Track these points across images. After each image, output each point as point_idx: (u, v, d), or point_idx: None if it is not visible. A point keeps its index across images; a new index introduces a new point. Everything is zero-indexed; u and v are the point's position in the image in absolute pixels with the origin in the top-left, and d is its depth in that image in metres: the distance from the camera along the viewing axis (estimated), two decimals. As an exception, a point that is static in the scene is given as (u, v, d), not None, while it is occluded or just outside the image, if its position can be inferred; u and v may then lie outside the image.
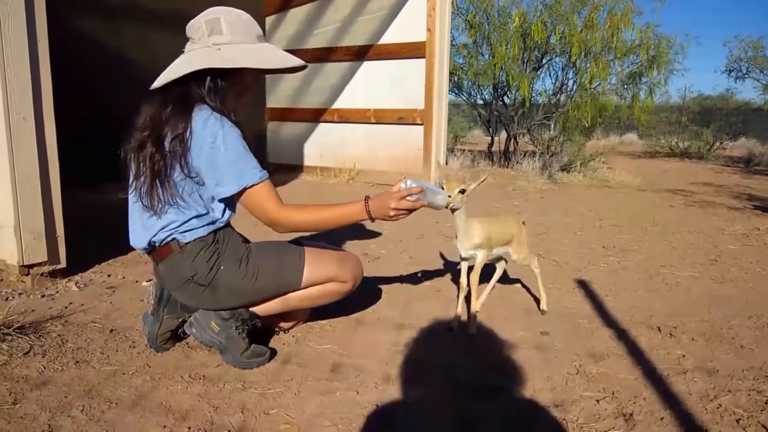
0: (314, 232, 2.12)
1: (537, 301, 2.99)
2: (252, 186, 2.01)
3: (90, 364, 2.18)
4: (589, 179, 8.62)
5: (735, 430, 1.85)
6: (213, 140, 1.98)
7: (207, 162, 2.00)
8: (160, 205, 2.07)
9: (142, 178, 2.07)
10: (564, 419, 1.90)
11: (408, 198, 2.03)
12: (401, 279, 3.41)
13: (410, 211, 2.07)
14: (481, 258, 2.59)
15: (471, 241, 2.54)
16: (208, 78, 2.04)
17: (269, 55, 2.13)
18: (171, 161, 2.03)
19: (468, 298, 2.67)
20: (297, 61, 2.17)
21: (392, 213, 2.03)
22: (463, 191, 2.36)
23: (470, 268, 2.64)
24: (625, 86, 9.38)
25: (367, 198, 2.05)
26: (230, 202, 2.20)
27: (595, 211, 6.10)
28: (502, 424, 1.89)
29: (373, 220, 2.06)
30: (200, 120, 2.00)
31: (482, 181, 2.41)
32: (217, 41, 2.06)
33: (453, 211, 2.41)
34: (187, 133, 1.99)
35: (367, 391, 2.06)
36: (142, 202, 2.09)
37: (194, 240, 2.13)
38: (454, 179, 2.37)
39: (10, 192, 2.85)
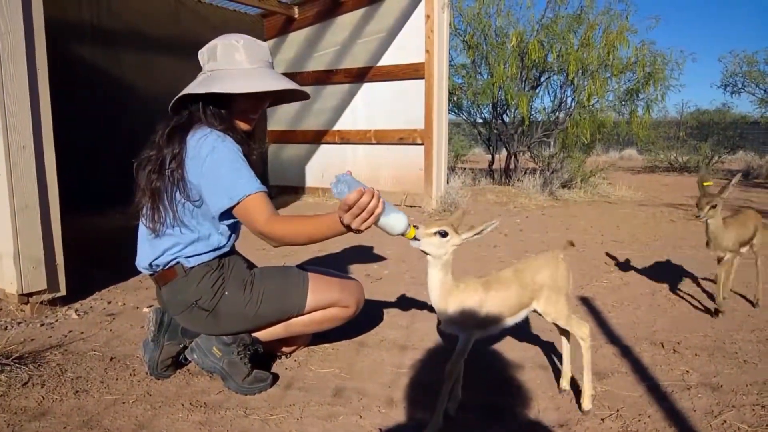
0: (305, 244, 2.04)
1: (574, 386, 2.22)
2: (245, 198, 1.97)
3: (89, 394, 2.16)
4: (589, 195, 8.62)
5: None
6: (208, 154, 2.01)
7: (204, 176, 2.02)
8: (160, 226, 2.11)
9: (144, 198, 2.11)
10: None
11: (357, 206, 1.68)
12: (404, 300, 3.40)
13: (369, 217, 1.71)
14: (463, 343, 1.92)
15: (447, 316, 1.89)
16: (201, 103, 2.09)
17: (246, 82, 2.09)
18: (170, 182, 2.06)
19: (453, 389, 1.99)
20: (274, 85, 2.13)
21: (346, 222, 1.74)
22: (444, 234, 1.78)
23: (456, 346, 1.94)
24: (623, 102, 9.40)
25: None
26: (234, 226, 2.21)
27: (597, 227, 6.09)
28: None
29: (349, 229, 1.77)
30: (196, 138, 2.04)
31: (480, 231, 1.82)
32: (211, 68, 2.11)
33: (427, 255, 1.83)
34: (183, 153, 2.04)
35: (371, 415, 2.04)
36: (144, 222, 2.14)
37: (199, 265, 2.15)
38: (440, 220, 1.88)
39: (10, 220, 2.86)
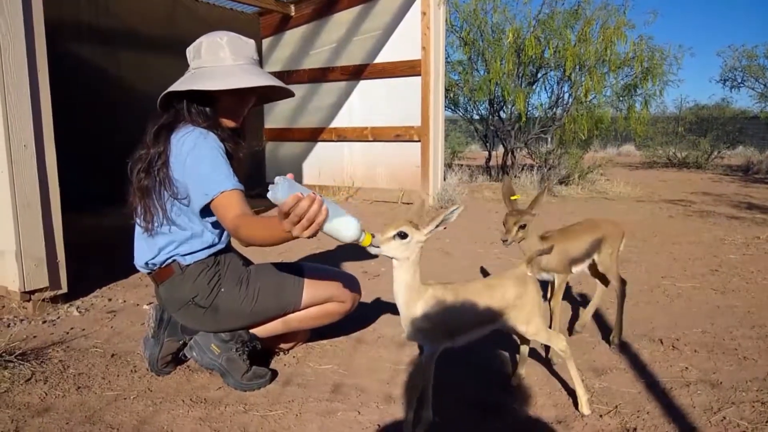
0: (266, 246, 1.97)
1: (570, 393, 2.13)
2: (219, 194, 1.97)
3: (91, 390, 2.18)
4: (587, 191, 8.64)
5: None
6: (189, 151, 2.03)
7: (185, 173, 2.04)
8: (152, 225, 2.13)
9: (136, 198, 2.14)
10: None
11: (294, 214, 1.52)
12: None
13: (310, 224, 1.54)
14: (429, 353, 1.85)
15: (414, 323, 1.80)
16: (185, 101, 2.11)
17: (227, 79, 2.07)
18: (157, 180, 2.08)
19: (422, 402, 1.85)
20: (255, 82, 2.10)
21: (286, 229, 1.57)
22: (403, 235, 1.69)
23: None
24: (621, 98, 9.41)
25: None
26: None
27: (595, 223, 6.09)
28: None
29: (287, 233, 1.60)
30: (178, 136, 2.06)
31: (442, 221, 1.70)
32: (195, 65, 2.14)
33: (393, 260, 1.74)
34: (168, 151, 2.07)
35: (369, 411, 2.05)
36: (138, 221, 2.17)
37: (195, 262, 2.17)
38: (400, 219, 1.73)
39: (11, 218, 2.87)
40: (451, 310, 1.82)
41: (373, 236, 1.66)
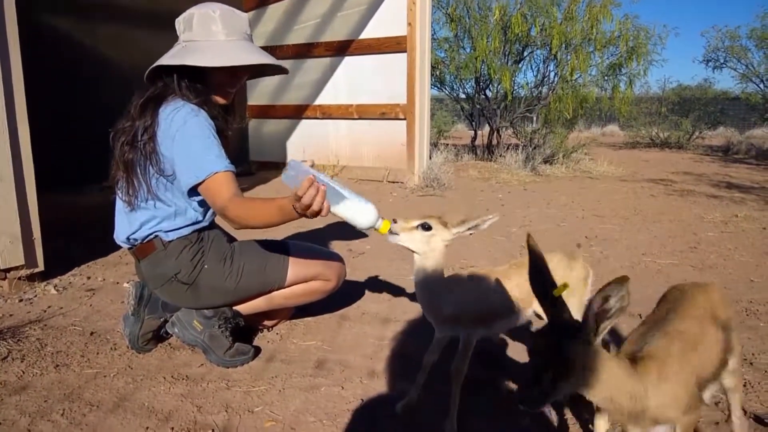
0: (262, 228, 1.92)
1: None
2: (211, 176, 1.93)
3: (70, 368, 2.15)
4: (571, 170, 8.66)
5: (715, 413, 1.88)
6: (179, 128, 1.97)
7: (174, 151, 1.99)
8: (135, 199, 2.08)
9: (118, 171, 2.08)
10: (551, 410, 1.91)
11: (307, 195, 1.55)
12: (386, 274, 3.40)
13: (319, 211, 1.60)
14: (465, 345, 1.74)
15: (440, 311, 1.73)
16: (176, 75, 2.04)
17: (220, 55, 2.01)
18: (142, 155, 2.03)
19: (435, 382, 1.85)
20: (249, 60, 2.05)
21: (300, 211, 1.64)
22: (427, 227, 1.62)
23: (459, 345, 1.77)
24: (606, 78, 9.42)
25: None
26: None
27: (578, 202, 6.13)
28: (491, 417, 1.89)
29: (304, 215, 1.65)
30: (167, 111, 2.00)
31: (475, 226, 1.64)
32: (186, 38, 2.06)
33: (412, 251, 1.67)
34: (155, 126, 2.01)
35: (352, 386, 2.05)
36: (120, 195, 2.12)
37: (178, 238, 2.14)
38: (434, 216, 1.67)
39: (-15, 195, 2.79)
40: (477, 296, 1.76)
41: (394, 222, 1.60)
